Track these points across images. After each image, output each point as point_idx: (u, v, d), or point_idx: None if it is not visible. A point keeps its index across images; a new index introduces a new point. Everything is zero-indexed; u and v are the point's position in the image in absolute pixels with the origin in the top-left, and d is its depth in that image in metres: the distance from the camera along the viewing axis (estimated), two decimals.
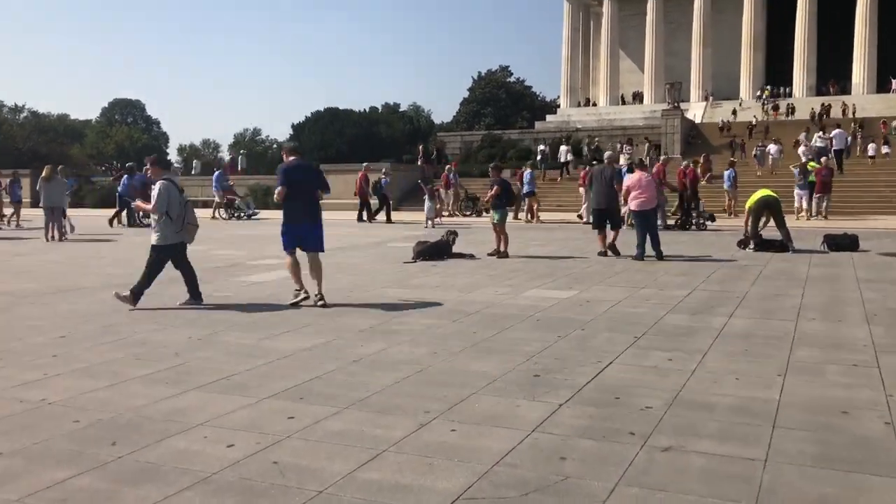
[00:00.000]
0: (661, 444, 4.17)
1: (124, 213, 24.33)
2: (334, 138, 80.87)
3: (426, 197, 23.69)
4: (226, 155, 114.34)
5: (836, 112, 54.87)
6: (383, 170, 28.79)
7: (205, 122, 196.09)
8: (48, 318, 8.18)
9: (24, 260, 14.18)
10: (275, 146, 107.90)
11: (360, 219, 25.86)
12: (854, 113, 53.88)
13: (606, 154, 15.99)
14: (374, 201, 26.40)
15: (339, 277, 11.16)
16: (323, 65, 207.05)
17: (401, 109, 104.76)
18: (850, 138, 35.02)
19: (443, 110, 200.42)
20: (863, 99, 59.21)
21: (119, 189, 25.24)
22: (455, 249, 13.74)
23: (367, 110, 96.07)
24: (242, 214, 27.82)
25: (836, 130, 33.19)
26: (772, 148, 33.36)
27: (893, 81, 60.48)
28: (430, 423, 4.56)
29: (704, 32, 67.89)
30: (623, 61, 73.62)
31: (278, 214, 9.48)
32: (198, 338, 7.06)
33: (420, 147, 39.87)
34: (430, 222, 22.68)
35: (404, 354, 6.31)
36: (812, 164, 23.88)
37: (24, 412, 4.86)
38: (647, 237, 13.22)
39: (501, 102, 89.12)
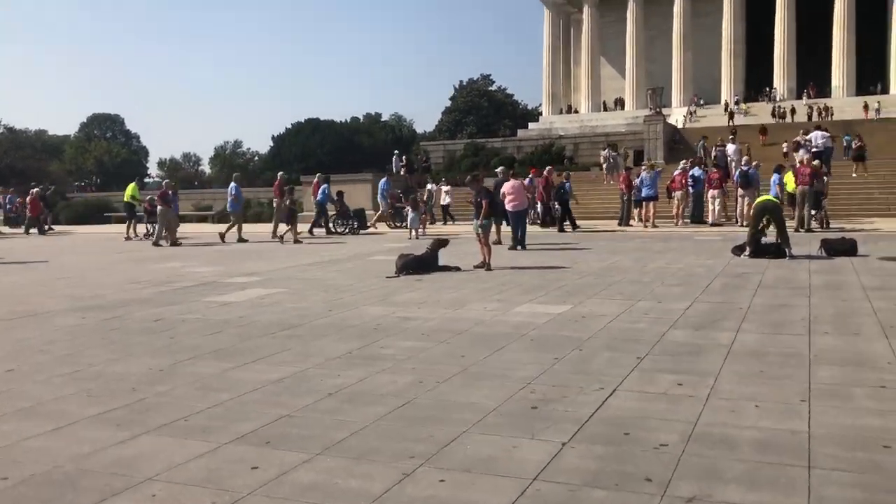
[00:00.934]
0: (684, 494, 3.59)
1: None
2: (315, 149, 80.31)
3: (409, 207, 23.11)
4: (206, 168, 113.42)
5: (814, 115, 54.96)
6: (565, 174, 26.16)
7: (185, 135, 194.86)
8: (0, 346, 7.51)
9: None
10: (256, 158, 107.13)
11: (545, 225, 24.61)
12: (832, 116, 53.88)
13: (499, 168, 20.81)
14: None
15: (315, 295, 10.55)
16: (303, 75, 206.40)
17: (382, 119, 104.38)
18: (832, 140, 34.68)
19: (425, 120, 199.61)
20: (842, 101, 59.33)
21: (318, 198, 25.55)
22: (441, 262, 13.15)
23: (349, 121, 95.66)
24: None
25: (819, 132, 32.73)
26: (730, 148, 32.17)
27: None
28: (414, 471, 3.96)
29: (685, 37, 67.85)
30: (604, 68, 73.49)
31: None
32: (159, 368, 6.43)
33: (403, 157, 39.25)
34: (414, 232, 22.08)
35: (386, 384, 5.70)
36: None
37: None
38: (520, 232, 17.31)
39: (483, 111, 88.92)
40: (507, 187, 17.57)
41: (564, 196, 23.48)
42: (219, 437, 4.60)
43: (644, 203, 23.76)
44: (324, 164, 64.02)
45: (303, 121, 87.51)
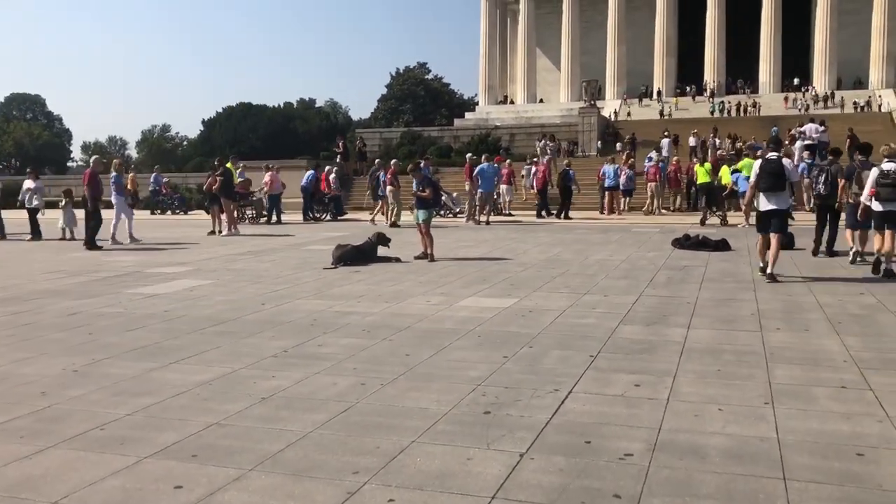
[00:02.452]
0: None
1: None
2: (248, 134, 78.52)
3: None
4: (133, 153, 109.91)
5: (738, 111, 56.61)
6: (566, 161, 26.47)
7: (111, 118, 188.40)
8: None
9: None
10: (185, 143, 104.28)
11: (539, 214, 23.99)
12: (760, 111, 55.44)
13: (377, 161, 24.99)
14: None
15: (247, 287, 9.99)
16: (236, 59, 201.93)
17: (317, 105, 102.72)
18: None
19: (361, 106, 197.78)
20: (769, 98, 61.02)
21: (303, 182, 24.97)
22: (380, 253, 12.70)
23: (283, 105, 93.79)
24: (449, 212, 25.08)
25: (812, 125, 31.18)
26: (664, 143, 32.30)
27: None
28: (360, 489, 3.56)
29: (619, 31, 68.63)
30: (540, 59, 73.76)
31: None
32: (73, 369, 5.85)
33: (340, 143, 38.40)
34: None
35: (326, 387, 5.27)
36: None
37: None
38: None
39: (420, 99, 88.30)
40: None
41: (568, 182, 23.69)
42: (139, 449, 4.11)
43: (610, 193, 24.80)
44: (257, 150, 62.65)
45: (234, 105, 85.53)
